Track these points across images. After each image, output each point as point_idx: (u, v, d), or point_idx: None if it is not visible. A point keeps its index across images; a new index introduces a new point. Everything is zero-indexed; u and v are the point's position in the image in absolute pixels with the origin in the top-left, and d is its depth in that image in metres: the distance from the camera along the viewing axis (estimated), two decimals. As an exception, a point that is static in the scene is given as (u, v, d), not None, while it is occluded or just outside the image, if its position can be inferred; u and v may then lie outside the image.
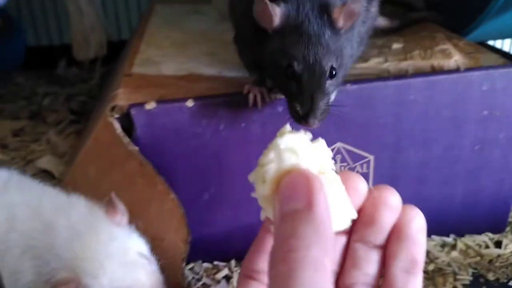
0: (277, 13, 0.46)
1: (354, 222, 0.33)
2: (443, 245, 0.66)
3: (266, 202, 0.35)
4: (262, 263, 0.35)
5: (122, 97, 0.56)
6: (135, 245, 0.46)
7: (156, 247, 0.51)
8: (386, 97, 0.57)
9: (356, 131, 0.58)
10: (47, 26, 1.25)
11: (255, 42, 0.51)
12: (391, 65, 0.60)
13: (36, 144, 0.87)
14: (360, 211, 0.34)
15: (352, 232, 0.35)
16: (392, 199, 0.34)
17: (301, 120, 0.46)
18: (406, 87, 0.57)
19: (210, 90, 0.59)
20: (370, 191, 0.35)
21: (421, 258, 0.33)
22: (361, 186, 0.35)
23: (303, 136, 0.35)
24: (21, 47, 1.17)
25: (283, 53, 0.46)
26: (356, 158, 0.60)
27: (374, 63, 0.61)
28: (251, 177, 0.34)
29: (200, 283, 0.59)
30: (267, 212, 0.33)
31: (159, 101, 0.54)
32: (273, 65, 0.48)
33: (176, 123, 0.55)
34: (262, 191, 0.34)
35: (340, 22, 0.46)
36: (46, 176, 0.78)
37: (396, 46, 0.66)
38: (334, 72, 0.46)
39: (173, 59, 0.69)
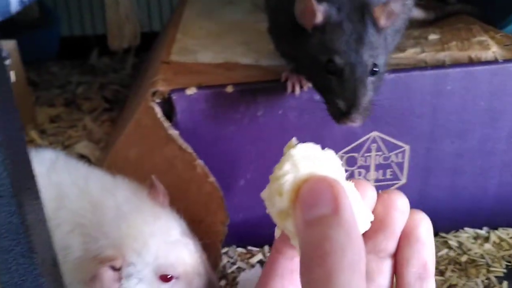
0: (321, 10, 0.47)
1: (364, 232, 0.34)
2: (476, 237, 0.66)
3: (283, 216, 0.35)
4: (275, 287, 0.36)
5: (162, 83, 0.57)
6: (178, 225, 0.48)
7: (195, 229, 0.52)
8: (423, 87, 0.57)
9: (392, 121, 0.58)
10: (80, 17, 1.28)
11: (291, 37, 0.51)
12: (428, 56, 0.60)
13: (72, 130, 0.90)
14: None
15: (364, 243, 0.35)
16: (401, 201, 0.34)
17: (343, 117, 0.45)
18: (444, 77, 0.57)
19: (248, 77, 0.60)
20: (379, 196, 0.35)
21: (432, 261, 0.33)
22: (370, 193, 0.35)
23: (314, 146, 0.36)
24: (56, 37, 1.20)
25: (323, 48, 0.47)
26: (391, 147, 0.60)
27: (411, 53, 0.61)
28: (264, 194, 0.34)
29: (235, 266, 0.60)
30: (285, 227, 0.33)
31: (199, 87, 0.55)
32: (311, 61, 0.48)
33: (215, 108, 0.56)
34: (279, 204, 0.34)
35: (382, 21, 0.47)
36: (83, 161, 0.80)
37: (432, 37, 0.65)
38: (375, 69, 0.46)
39: (209, 48, 0.70)
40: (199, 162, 0.54)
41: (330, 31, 0.47)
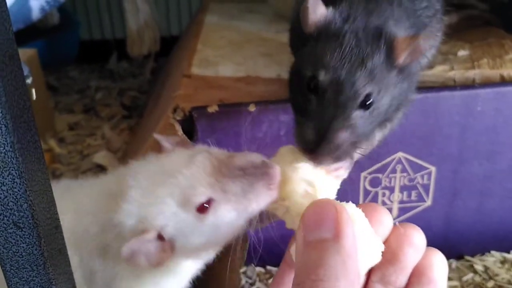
0: (318, 12, 0.38)
1: None
2: (503, 262, 0.63)
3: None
4: None
5: (183, 99, 0.56)
6: (180, 159, 0.42)
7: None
8: (452, 107, 0.55)
9: (419, 141, 0.57)
10: (99, 21, 1.27)
11: (295, 49, 0.45)
12: (457, 74, 0.58)
13: (91, 138, 0.90)
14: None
15: (372, 271, 0.34)
16: (417, 238, 0.33)
17: (308, 149, 0.36)
18: (474, 98, 0.55)
19: (269, 93, 0.58)
20: (394, 228, 0.34)
21: None
22: (386, 219, 0.34)
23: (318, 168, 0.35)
24: (75, 41, 1.20)
25: (310, 60, 0.38)
26: (417, 168, 0.58)
27: (439, 71, 0.59)
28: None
29: (254, 287, 0.59)
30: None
31: (221, 105, 0.54)
32: (295, 75, 0.40)
33: (237, 126, 0.55)
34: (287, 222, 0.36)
35: (402, 58, 0.37)
36: (101, 171, 0.79)
37: (462, 53, 0.63)
38: (369, 103, 0.36)
39: (230, 60, 0.69)
40: (220, 182, 0.52)
41: (325, 41, 0.37)
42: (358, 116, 0.36)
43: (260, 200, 0.38)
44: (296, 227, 0.32)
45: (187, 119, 0.55)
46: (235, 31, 0.82)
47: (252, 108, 0.54)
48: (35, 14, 0.84)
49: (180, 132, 0.54)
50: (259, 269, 0.62)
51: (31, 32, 0.95)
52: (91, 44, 1.28)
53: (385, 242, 0.33)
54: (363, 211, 0.32)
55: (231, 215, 0.39)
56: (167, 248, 0.40)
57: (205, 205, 0.39)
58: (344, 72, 0.35)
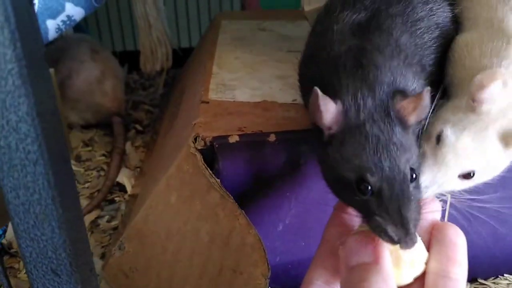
0: (330, 110, 0.38)
1: None
2: (517, 285, 0.64)
3: None
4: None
5: (203, 127, 0.57)
6: None
7: (235, 279, 0.52)
8: (468, 137, 0.56)
9: (435, 169, 0.57)
10: (110, 34, 1.28)
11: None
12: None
13: (107, 155, 0.90)
14: None
15: None
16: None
17: (397, 243, 0.36)
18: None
19: (287, 119, 0.59)
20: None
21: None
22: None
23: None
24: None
25: (348, 164, 0.38)
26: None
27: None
28: None
29: (272, 311, 0.60)
30: None
31: (242, 135, 0.55)
32: (336, 179, 0.40)
33: (257, 156, 0.56)
34: None
35: (412, 119, 0.39)
36: (119, 189, 0.80)
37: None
38: (414, 175, 0.38)
39: (246, 84, 0.70)
40: (242, 212, 0.53)
41: (350, 139, 0.38)
42: (413, 190, 0.37)
43: None
44: None
45: (209, 149, 0.56)
46: (248, 52, 0.83)
47: (272, 138, 0.55)
48: (51, 34, 0.85)
49: (201, 162, 0.55)
50: (277, 292, 0.63)
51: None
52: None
53: None
54: None
55: None
56: None
57: None
58: (387, 165, 0.36)
